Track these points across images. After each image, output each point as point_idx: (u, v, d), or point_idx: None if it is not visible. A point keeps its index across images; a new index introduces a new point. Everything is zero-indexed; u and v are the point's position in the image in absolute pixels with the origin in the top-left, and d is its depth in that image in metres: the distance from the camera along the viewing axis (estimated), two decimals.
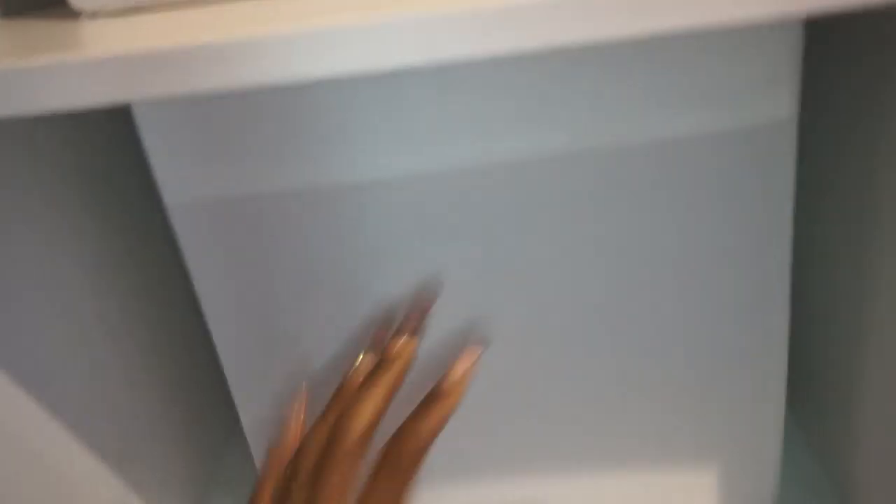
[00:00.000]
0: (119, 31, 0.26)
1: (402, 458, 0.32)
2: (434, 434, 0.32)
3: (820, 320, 0.46)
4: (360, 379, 0.34)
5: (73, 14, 0.30)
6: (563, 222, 0.36)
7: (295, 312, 0.38)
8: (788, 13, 0.22)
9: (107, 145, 0.44)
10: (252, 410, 0.42)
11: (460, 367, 0.34)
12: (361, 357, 0.36)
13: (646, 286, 0.37)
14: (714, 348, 0.39)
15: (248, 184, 0.35)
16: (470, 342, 0.38)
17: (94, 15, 0.29)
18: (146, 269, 0.47)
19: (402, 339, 0.35)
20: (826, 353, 0.47)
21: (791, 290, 0.37)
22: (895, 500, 0.38)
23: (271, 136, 0.34)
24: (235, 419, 0.41)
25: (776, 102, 0.32)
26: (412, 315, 0.36)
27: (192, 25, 0.25)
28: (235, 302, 0.38)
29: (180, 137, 0.34)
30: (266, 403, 0.41)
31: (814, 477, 0.46)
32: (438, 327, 0.38)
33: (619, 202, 0.35)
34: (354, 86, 0.33)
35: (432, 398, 0.33)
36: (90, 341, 0.42)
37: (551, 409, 0.41)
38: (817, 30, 0.37)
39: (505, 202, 0.35)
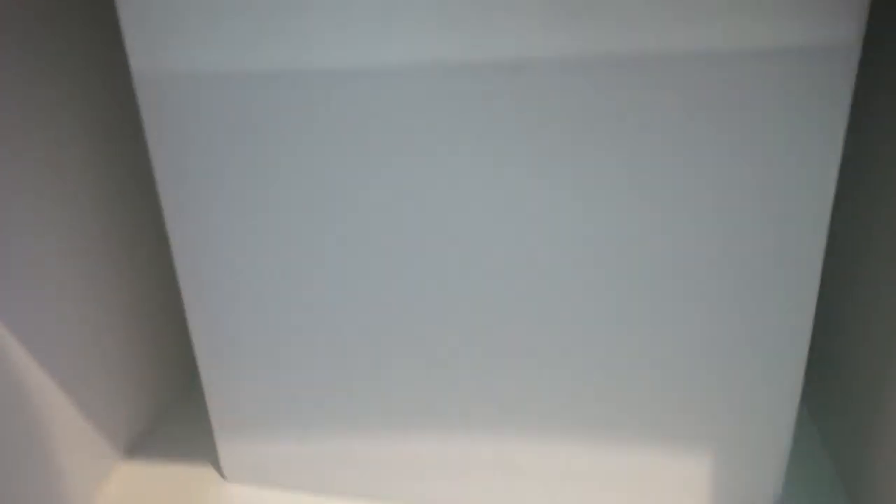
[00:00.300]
0: None
1: None
2: None
3: (850, 311, 0.42)
4: None
5: None
6: (566, 139, 0.31)
7: (263, 213, 0.34)
8: None
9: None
10: (208, 336, 0.39)
11: None
12: None
13: (655, 223, 0.32)
14: (729, 316, 0.34)
15: (222, 61, 0.31)
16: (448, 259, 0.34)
17: None
18: (121, 180, 0.43)
19: None
20: (852, 350, 0.42)
21: (822, 273, 0.33)
22: None
23: (252, 12, 0.30)
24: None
25: (837, 20, 0.28)
26: None
27: None
28: (196, 198, 0.35)
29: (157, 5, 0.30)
30: (223, 325, 0.38)
31: (826, 479, 0.42)
32: (417, 244, 0.34)
33: (636, 118, 0.30)
34: None
35: None
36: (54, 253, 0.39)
37: (538, 370, 0.36)
38: None
39: (506, 107, 0.31)
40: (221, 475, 0.43)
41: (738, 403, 0.36)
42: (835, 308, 0.44)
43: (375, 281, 0.35)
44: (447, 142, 0.32)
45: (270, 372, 0.38)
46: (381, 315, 0.36)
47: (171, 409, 0.49)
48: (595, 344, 0.35)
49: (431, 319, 0.36)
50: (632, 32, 0.29)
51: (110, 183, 0.43)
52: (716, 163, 0.31)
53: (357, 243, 0.34)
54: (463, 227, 0.33)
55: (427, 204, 0.33)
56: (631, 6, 0.28)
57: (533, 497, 0.39)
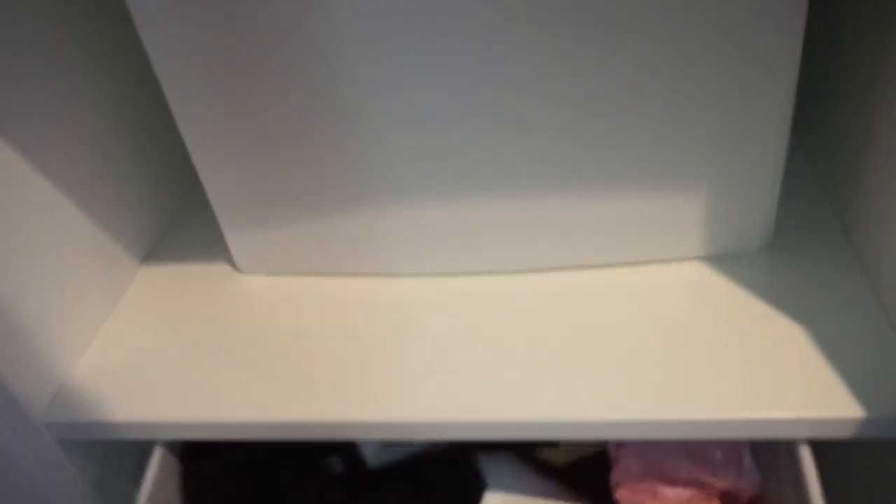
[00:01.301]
0: None
1: None
2: None
3: (840, 53, 0.41)
4: None
5: None
6: None
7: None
8: None
9: None
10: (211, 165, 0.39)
11: None
12: None
13: None
14: (718, 54, 0.33)
15: None
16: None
17: None
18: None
19: None
20: (842, 91, 0.41)
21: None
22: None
23: None
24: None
25: None
26: None
27: None
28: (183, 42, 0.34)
29: None
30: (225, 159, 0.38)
31: (820, 217, 0.43)
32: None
33: None
34: None
35: None
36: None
37: (536, 117, 0.36)
38: None
39: None
40: (236, 269, 0.45)
41: (728, 141, 0.37)
42: (825, 52, 0.43)
43: (368, 52, 0.34)
44: None
45: (267, 157, 0.39)
46: (370, 87, 0.35)
47: (183, 215, 0.50)
48: (589, 91, 0.35)
49: (424, 86, 0.35)
50: None
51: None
52: None
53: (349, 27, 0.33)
54: None
55: None
56: None
57: (539, 252, 0.41)
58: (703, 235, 0.40)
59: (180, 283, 0.45)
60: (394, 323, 0.40)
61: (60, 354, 0.39)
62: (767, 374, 0.35)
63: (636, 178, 0.38)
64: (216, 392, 0.38)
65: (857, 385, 0.34)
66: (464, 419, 0.35)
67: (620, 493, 0.41)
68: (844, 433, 0.33)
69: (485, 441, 0.36)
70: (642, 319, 0.38)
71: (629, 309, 0.39)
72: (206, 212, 0.43)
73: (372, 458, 0.44)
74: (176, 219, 0.50)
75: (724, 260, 0.41)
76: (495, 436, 0.35)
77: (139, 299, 0.44)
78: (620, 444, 0.42)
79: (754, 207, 0.40)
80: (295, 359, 0.39)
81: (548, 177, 0.38)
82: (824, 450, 0.35)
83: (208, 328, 0.41)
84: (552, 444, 0.47)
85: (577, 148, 0.37)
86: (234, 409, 0.37)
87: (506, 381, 0.36)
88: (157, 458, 0.39)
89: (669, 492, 0.40)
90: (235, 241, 0.43)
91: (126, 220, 0.45)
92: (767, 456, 0.39)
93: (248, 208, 0.41)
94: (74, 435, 0.38)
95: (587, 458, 0.46)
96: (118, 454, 0.41)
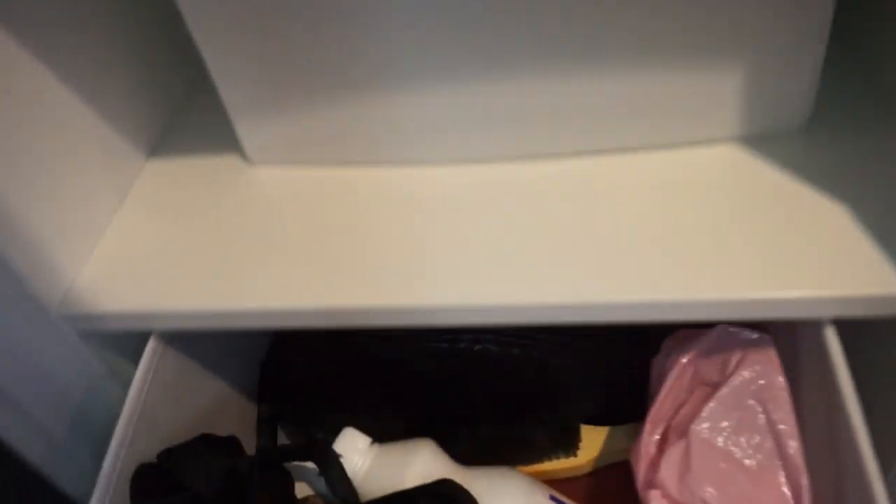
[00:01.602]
0: None
1: None
2: None
3: None
4: None
5: None
6: None
7: None
8: None
9: None
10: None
11: None
12: None
13: None
14: None
15: None
16: None
17: None
18: None
19: None
20: None
21: None
22: None
23: None
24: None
25: None
26: None
27: None
28: None
29: None
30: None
31: (855, 92, 0.41)
32: None
33: None
34: None
35: None
36: None
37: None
38: None
39: None
40: (246, 160, 0.43)
41: (770, 13, 0.34)
42: None
43: None
44: None
45: (275, 39, 0.36)
46: None
47: (190, 105, 0.48)
48: None
49: None
50: None
51: None
52: None
53: None
54: None
55: None
56: None
57: (565, 135, 0.39)
58: (741, 114, 0.38)
59: (188, 175, 0.43)
60: (408, 211, 0.39)
61: (71, 250, 0.38)
62: (802, 253, 0.33)
63: (672, 54, 0.35)
64: (222, 282, 0.37)
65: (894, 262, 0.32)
66: (483, 303, 0.34)
67: None
68: (885, 310, 0.32)
69: (511, 326, 0.35)
70: (675, 202, 0.37)
71: (662, 191, 0.37)
72: (214, 101, 0.41)
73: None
74: (182, 110, 0.48)
75: (762, 141, 0.38)
76: (516, 319, 0.34)
77: (147, 193, 0.43)
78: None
79: (794, 84, 0.37)
80: (304, 248, 0.38)
81: (574, 52, 0.35)
82: (857, 332, 0.34)
83: (218, 220, 0.40)
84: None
85: (608, 18, 0.34)
86: (242, 299, 0.36)
87: (530, 265, 0.35)
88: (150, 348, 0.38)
89: None
90: (245, 131, 0.41)
91: (131, 112, 0.43)
92: (791, 341, 0.38)
93: (258, 96, 0.39)
94: (89, 327, 0.37)
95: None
96: (135, 341, 0.41)
